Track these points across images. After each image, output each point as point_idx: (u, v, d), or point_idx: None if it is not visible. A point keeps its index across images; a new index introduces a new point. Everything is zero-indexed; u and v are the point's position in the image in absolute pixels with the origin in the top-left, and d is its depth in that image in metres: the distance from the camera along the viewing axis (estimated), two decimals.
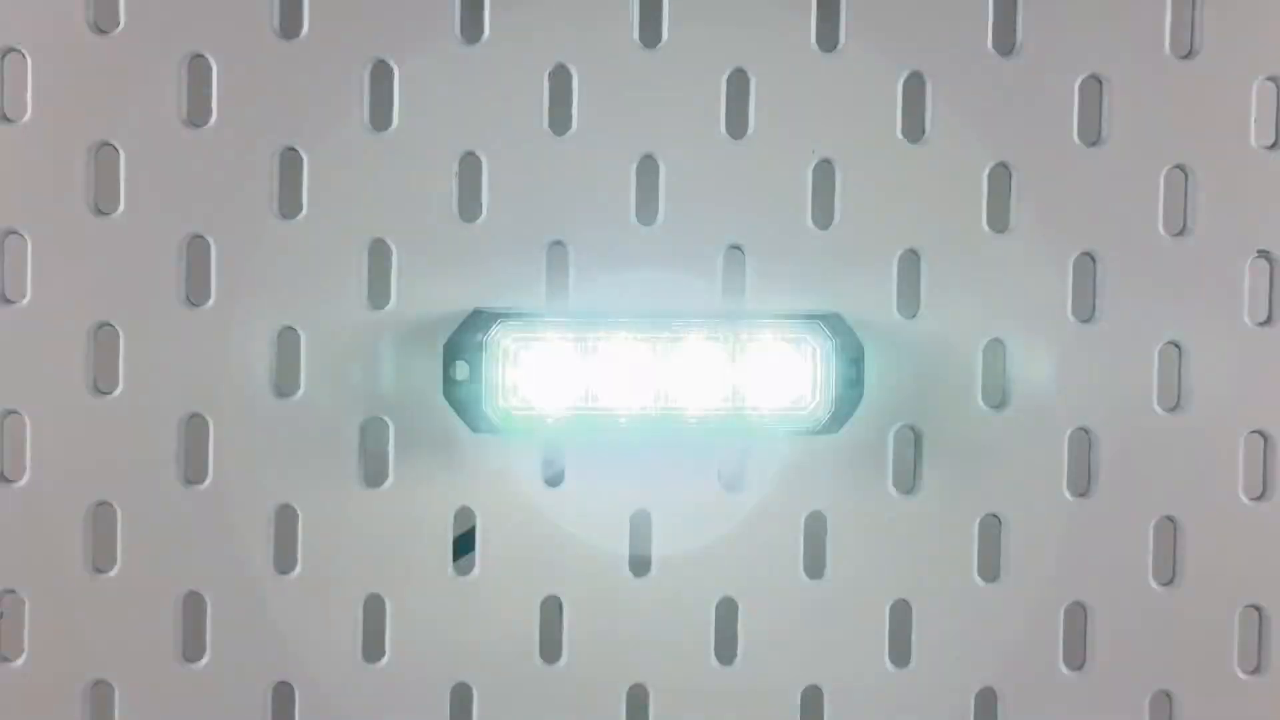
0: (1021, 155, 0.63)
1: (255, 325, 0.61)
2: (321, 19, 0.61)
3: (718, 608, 0.63)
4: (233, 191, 0.61)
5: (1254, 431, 0.64)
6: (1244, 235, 0.64)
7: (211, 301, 0.61)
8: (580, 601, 0.63)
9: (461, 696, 0.63)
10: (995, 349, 0.63)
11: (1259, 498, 0.64)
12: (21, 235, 0.61)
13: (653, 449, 0.63)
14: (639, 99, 0.62)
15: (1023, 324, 0.63)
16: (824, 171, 0.62)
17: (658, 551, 0.63)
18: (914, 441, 0.63)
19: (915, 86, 0.62)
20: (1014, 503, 0.63)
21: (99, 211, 0.61)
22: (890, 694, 0.64)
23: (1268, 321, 0.64)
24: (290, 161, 0.61)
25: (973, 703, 0.64)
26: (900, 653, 0.64)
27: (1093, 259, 0.63)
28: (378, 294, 0.62)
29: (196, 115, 0.61)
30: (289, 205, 0.61)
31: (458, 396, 0.59)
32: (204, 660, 0.62)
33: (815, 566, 0.63)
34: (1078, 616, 0.64)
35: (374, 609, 0.63)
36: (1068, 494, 0.64)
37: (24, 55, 0.60)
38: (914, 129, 0.62)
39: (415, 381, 0.61)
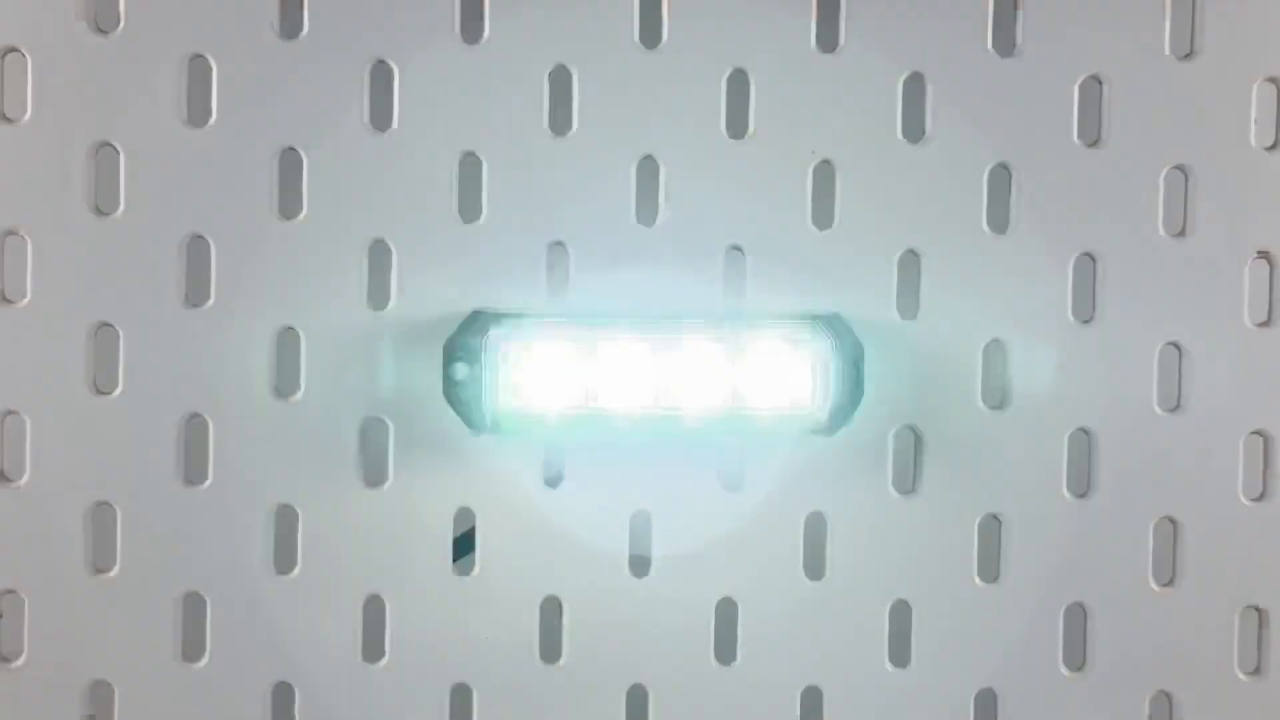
0: (1021, 155, 0.63)
1: (255, 325, 0.61)
2: (321, 19, 0.61)
3: (718, 608, 0.63)
4: (233, 191, 0.61)
5: (1254, 431, 0.64)
6: (1244, 235, 0.64)
7: (211, 301, 0.61)
8: (580, 601, 0.63)
9: (461, 696, 0.63)
10: (995, 349, 0.63)
11: (1259, 498, 0.64)
12: (21, 235, 0.61)
13: (653, 449, 0.63)
14: (639, 99, 0.62)
15: (1023, 324, 0.63)
16: (824, 171, 0.62)
17: (658, 551, 0.63)
18: (914, 442, 0.63)
19: (915, 86, 0.62)
20: (1014, 503, 0.63)
21: (99, 211, 0.61)
22: (890, 694, 0.64)
23: (1268, 322, 0.64)
24: (290, 161, 0.61)
25: (973, 703, 0.64)
26: (900, 653, 0.64)
27: (1093, 259, 0.63)
28: (378, 294, 0.62)
29: (196, 115, 0.61)
30: (289, 205, 0.61)
31: (458, 396, 0.59)
32: (204, 660, 0.62)
33: (815, 566, 0.63)
34: (1078, 616, 0.64)
35: (374, 609, 0.63)
36: (1068, 494, 0.64)
37: (24, 55, 0.60)
38: (914, 129, 0.62)
39: (415, 382, 0.61)
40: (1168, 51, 0.63)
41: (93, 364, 0.61)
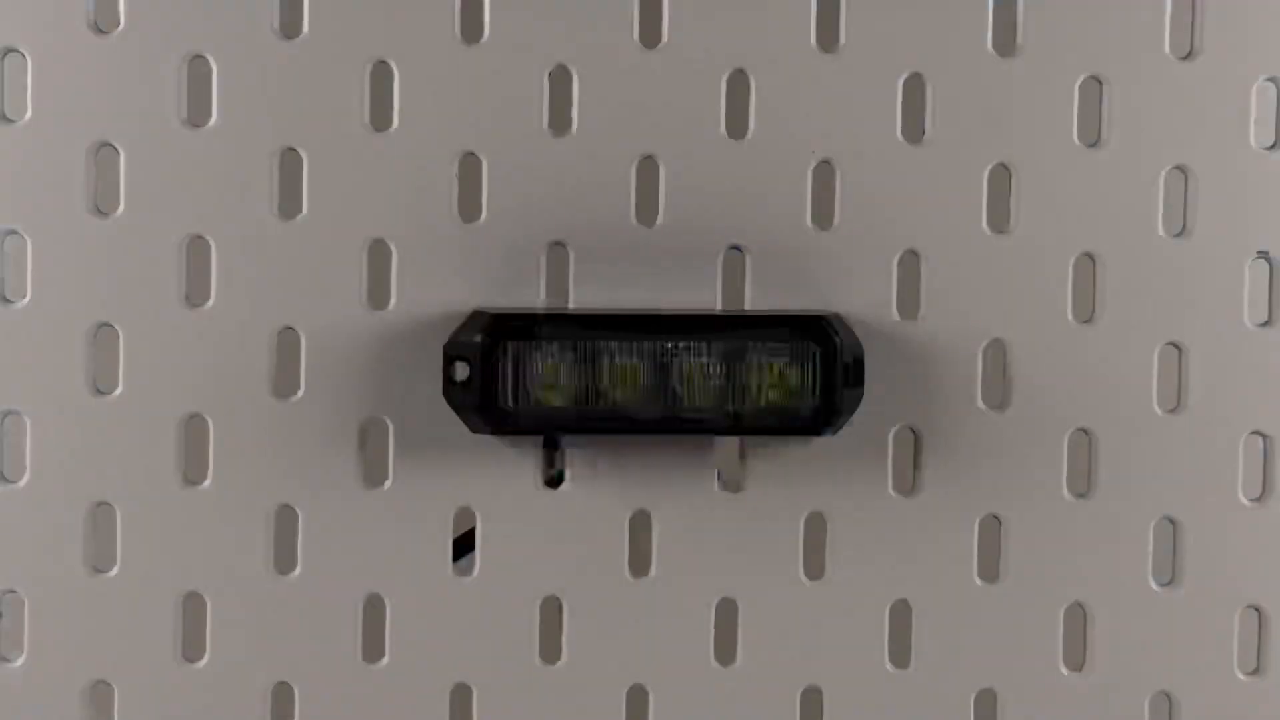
0: (1021, 155, 0.62)
1: (255, 325, 0.61)
2: (321, 19, 0.61)
3: (718, 608, 0.63)
4: (233, 191, 0.61)
5: (1254, 432, 0.64)
6: (1244, 236, 0.63)
7: (211, 301, 0.61)
8: (580, 601, 0.63)
9: (461, 697, 0.63)
10: (995, 349, 0.63)
11: (1259, 498, 0.64)
12: (21, 235, 0.61)
13: (653, 449, 0.63)
14: (639, 99, 0.62)
15: (1023, 324, 0.63)
16: (824, 171, 0.62)
17: (657, 552, 0.63)
18: (914, 442, 0.63)
19: (915, 86, 0.62)
20: (1014, 503, 0.63)
21: (99, 211, 0.61)
22: (890, 694, 0.64)
23: (1268, 322, 0.64)
24: (290, 161, 0.61)
25: (973, 703, 0.64)
26: (900, 653, 0.64)
27: (1093, 259, 0.63)
28: (378, 294, 0.62)
29: (196, 115, 0.61)
30: (289, 205, 0.61)
31: (458, 397, 0.59)
32: (204, 660, 0.62)
33: (815, 567, 0.63)
34: (1078, 616, 0.64)
35: (374, 609, 0.63)
36: (1068, 494, 0.64)
37: (24, 55, 0.60)
38: (914, 129, 0.62)
39: (415, 382, 0.61)
40: (1168, 51, 0.63)
41: (93, 364, 0.61)
